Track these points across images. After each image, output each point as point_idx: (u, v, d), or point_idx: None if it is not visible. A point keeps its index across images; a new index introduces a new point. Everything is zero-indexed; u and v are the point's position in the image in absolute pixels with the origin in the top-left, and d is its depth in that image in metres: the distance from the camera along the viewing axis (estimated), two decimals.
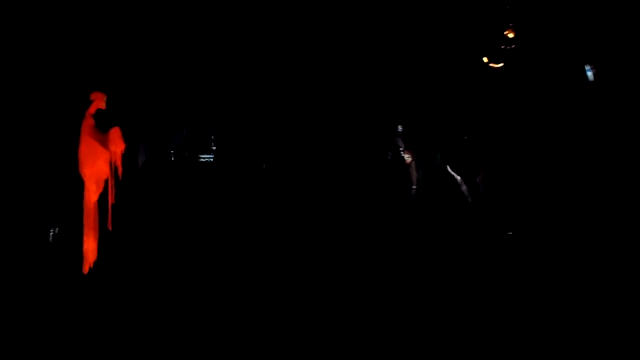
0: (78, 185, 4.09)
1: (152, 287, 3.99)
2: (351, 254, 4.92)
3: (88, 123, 4.15)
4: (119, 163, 4.25)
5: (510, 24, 6.94)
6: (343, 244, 5.28)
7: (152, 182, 7.83)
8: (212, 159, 8.91)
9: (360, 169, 8.17)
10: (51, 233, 4.47)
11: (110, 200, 4.25)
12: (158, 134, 8.25)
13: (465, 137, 7.32)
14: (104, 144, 4.17)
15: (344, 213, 6.85)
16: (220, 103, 8.80)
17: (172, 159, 8.76)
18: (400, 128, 8.27)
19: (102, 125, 4.19)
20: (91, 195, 4.12)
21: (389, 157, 8.01)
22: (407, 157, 7.89)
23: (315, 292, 3.90)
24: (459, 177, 6.64)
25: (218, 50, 8.28)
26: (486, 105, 7.30)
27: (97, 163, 4.12)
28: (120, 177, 4.26)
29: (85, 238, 4.11)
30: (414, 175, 7.87)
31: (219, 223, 6.35)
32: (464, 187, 6.67)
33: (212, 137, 9.17)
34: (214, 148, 8.97)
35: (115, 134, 4.25)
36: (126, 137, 4.32)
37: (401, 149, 7.91)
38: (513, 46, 6.97)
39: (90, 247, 4.12)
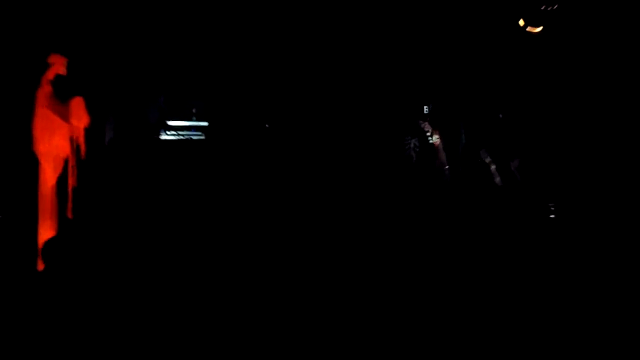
0: (32, 165, 4.03)
1: (120, 287, 3.97)
2: (373, 247, 5.13)
3: (45, 91, 4.10)
4: (81, 140, 4.19)
5: None
6: (364, 236, 5.49)
7: (121, 164, 7.82)
8: (200, 137, 8.99)
9: (379, 158, 8.26)
10: None
11: (71, 183, 4.25)
12: (130, 106, 8.22)
13: (501, 116, 7.35)
14: (64, 116, 4.13)
15: (360, 205, 7.02)
16: (209, 68, 8.79)
17: (148, 135, 8.75)
18: (426, 109, 8.17)
19: (62, 94, 4.11)
20: (48, 177, 4.08)
21: (411, 145, 8.08)
22: (437, 139, 7.81)
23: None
24: (493, 167, 6.69)
25: (200, 4, 8.15)
26: (522, 78, 7.30)
27: (55, 139, 4.07)
28: (83, 157, 4.18)
29: (40, 228, 4.07)
30: (444, 157, 7.83)
31: (206, 213, 6.46)
32: (497, 179, 6.72)
33: (194, 111, 9.17)
34: (203, 124, 9.00)
35: (77, 104, 4.21)
36: (91, 109, 4.21)
37: (428, 133, 7.92)
38: (555, 6, 6.90)
39: (46, 238, 4.08)
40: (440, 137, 7.81)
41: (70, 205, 4.28)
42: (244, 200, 7.18)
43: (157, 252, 4.77)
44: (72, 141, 4.21)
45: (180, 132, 9.12)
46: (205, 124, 9.02)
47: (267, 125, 8.84)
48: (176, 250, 4.88)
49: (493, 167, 6.85)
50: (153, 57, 8.34)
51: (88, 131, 4.33)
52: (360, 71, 8.79)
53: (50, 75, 4.13)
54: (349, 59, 8.75)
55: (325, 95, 8.87)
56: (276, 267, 4.54)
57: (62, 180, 4.17)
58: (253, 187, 7.74)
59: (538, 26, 6.89)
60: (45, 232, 4.08)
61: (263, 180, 8.01)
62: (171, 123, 9.01)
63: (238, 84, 8.95)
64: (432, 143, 7.97)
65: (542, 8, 6.96)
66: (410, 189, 7.48)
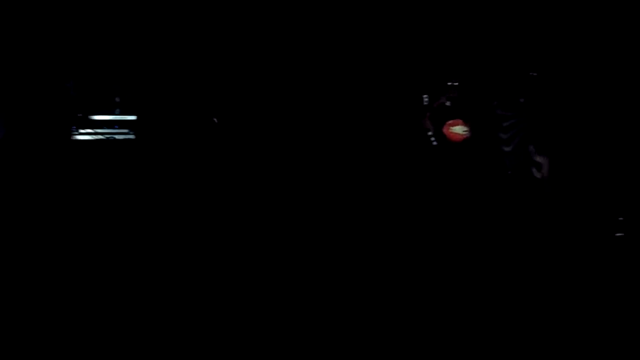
0: None
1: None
2: None
3: None
4: None
5: None
6: None
7: (17, 175, 7.65)
8: (127, 137, 8.68)
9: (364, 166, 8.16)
10: None
11: None
12: (27, 94, 7.95)
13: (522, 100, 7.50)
14: None
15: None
16: (137, 39, 8.43)
17: (53, 135, 8.42)
18: (426, 99, 8.03)
19: None
20: None
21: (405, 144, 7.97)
22: (463, 130, 7.75)
23: None
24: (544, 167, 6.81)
25: None
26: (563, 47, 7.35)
27: None
28: None
29: None
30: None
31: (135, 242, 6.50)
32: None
33: (118, 101, 8.75)
34: (131, 118, 8.65)
35: None
36: None
37: (430, 133, 7.88)
38: None
39: None
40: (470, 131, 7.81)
41: None
42: (187, 224, 7.16)
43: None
44: None
45: (98, 130, 8.79)
46: (133, 118, 8.73)
47: (215, 120, 8.70)
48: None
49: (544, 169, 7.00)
50: (57, 25, 8.14)
51: None
52: (334, 52, 8.69)
53: None
54: (318, 38, 8.68)
55: (292, 79, 8.69)
56: None
57: None
58: (199, 206, 7.67)
59: None
60: None
61: (212, 197, 7.92)
62: (85, 117, 8.69)
63: (178, 61, 8.68)
64: (432, 145, 8.03)
65: None
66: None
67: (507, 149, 7.28)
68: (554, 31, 7.75)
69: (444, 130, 7.84)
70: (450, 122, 7.86)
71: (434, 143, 7.86)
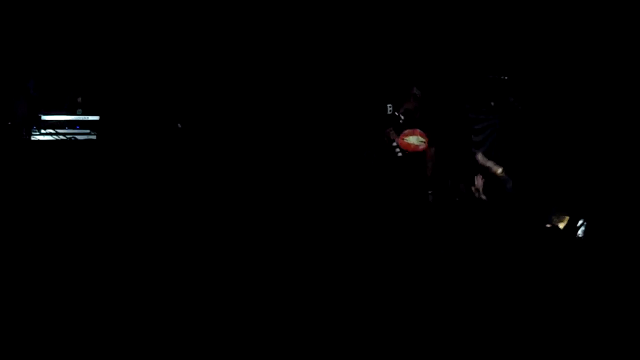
0: None
1: None
2: None
3: None
4: None
5: None
6: None
7: None
8: (88, 137, 8.66)
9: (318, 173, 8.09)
10: None
11: None
12: None
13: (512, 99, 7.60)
14: None
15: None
16: (98, 39, 8.37)
17: (12, 135, 8.40)
18: (390, 108, 7.78)
19: None
20: None
21: (369, 156, 7.95)
22: (419, 141, 7.65)
23: None
24: (499, 170, 6.55)
25: None
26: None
27: None
28: None
29: None
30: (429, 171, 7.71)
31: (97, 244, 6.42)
32: (509, 185, 6.67)
33: (79, 101, 8.70)
34: (93, 119, 8.61)
35: None
36: None
37: (394, 143, 7.66)
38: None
39: None
40: (429, 144, 7.67)
41: None
42: (148, 224, 7.09)
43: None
44: None
45: (59, 131, 8.73)
46: (95, 118, 8.65)
47: (179, 125, 8.67)
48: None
49: (499, 170, 6.73)
50: (17, 22, 8.09)
51: None
52: (294, 59, 8.73)
53: None
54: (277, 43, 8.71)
55: (255, 85, 8.68)
56: None
57: None
58: (160, 206, 7.63)
59: None
60: None
61: (173, 197, 7.86)
62: (46, 117, 8.61)
63: (142, 63, 8.65)
64: (397, 155, 7.84)
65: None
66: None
67: (478, 150, 7.08)
68: (524, 35, 7.77)
69: (399, 140, 7.64)
70: (407, 131, 7.64)
71: (399, 154, 7.65)
